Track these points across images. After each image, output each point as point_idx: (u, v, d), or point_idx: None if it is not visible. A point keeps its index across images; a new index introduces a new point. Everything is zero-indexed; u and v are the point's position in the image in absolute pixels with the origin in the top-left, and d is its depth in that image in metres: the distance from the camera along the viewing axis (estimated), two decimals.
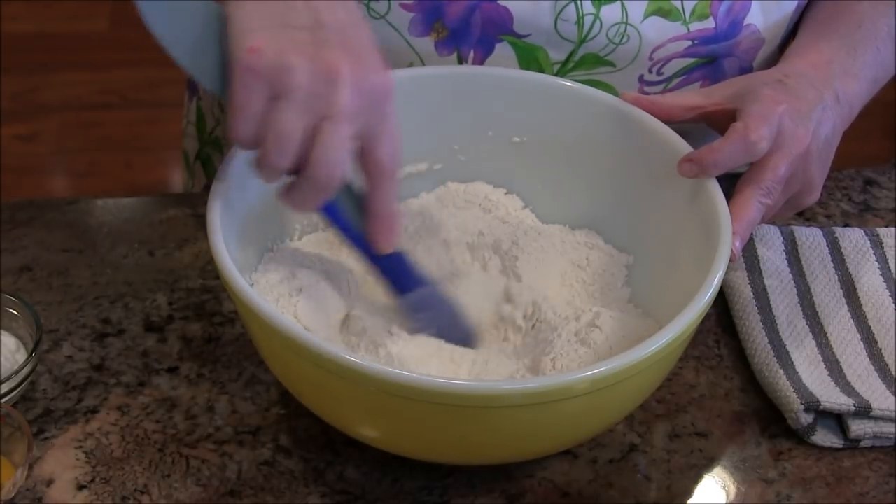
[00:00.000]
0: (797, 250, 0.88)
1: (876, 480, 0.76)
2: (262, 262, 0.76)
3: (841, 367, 0.80)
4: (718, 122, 0.77)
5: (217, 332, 0.82)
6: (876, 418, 0.77)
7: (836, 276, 0.87)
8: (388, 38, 0.85)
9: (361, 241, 0.71)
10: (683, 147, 0.76)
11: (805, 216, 0.95)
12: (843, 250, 0.88)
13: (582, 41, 0.84)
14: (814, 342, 0.82)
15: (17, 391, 0.75)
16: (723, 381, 0.81)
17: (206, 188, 0.71)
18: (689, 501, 0.74)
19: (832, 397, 0.76)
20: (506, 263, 0.80)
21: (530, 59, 0.85)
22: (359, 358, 0.62)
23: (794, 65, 0.81)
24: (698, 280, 0.68)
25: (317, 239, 0.80)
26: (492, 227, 0.82)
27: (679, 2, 0.84)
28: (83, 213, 0.92)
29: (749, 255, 0.87)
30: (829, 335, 0.83)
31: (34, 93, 2.41)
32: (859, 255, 0.88)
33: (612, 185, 0.82)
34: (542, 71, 0.85)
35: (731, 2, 0.85)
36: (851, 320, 0.84)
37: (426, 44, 0.85)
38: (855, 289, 0.86)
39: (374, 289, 0.76)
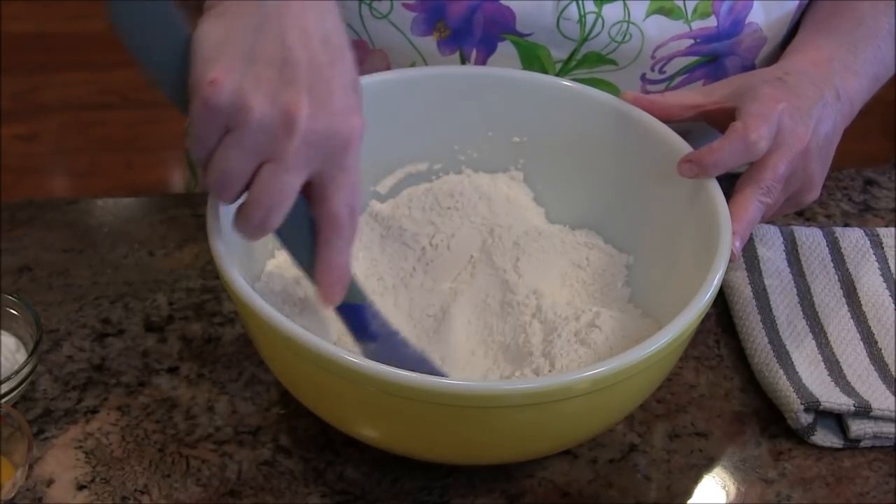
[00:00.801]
0: (797, 250, 0.88)
1: (876, 480, 0.76)
2: (264, 271, 0.76)
3: (841, 367, 0.80)
4: (718, 120, 0.77)
5: (217, 332, 0.82)
6: (876, 418, 0.77)
7: (836, 276, 0.87)
8: (391, 38, 0.85)
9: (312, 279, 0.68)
10: (683, 147, 0.76)
11: (805, 216, 0.95)
12: (843, 250, 0.88)
13: (584, 40, 0.84)
14: (814, 342, 0.82)
15: (17, 391, 0.75)
16: (723, 381, 0.81)
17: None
18: (689, 501, 0.74)
19: (832, 397, 0.76)
20: (506, 263, 0.80)
21: (532, 57, 0.85)
22: (359, 358, 0.62)
23: (794, 62, 0.81)
24: (698, 280, 0.68)
25: None
26: (492, 226, 0.82)
27: (681, 0, 0.84)
28: (83, 213, 0.92)
29: (749, 255, 0.87)
30: (829, 335, 0.83)
31: (34, 93, 2.41)
32: (859, 255, 0.88)
33: (613, 186, 0.82)
34: (544, 69, 0.85)
35: (733, 1, 0.85)
36: (851, 320, 0.84)
37: (429, 43, 0.85)
38: (855, 289, 0.86)
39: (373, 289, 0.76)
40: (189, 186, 1.16)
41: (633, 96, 0.79)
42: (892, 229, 0.90)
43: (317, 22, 0.62)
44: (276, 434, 0.76)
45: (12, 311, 0.77)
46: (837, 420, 0.78)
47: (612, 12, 0.83)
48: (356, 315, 0.70)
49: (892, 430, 0.76)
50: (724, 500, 0.75)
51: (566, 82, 0.82)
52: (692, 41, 0.85)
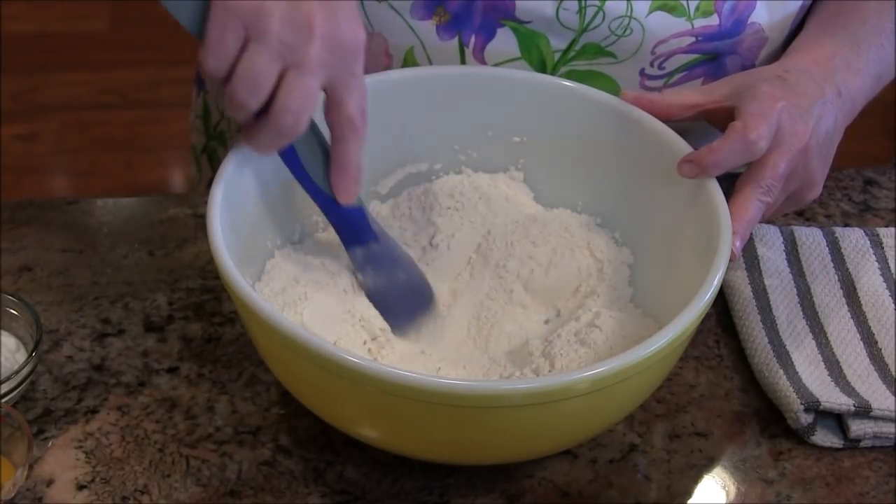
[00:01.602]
0: (797, 250, 0.88)
1: (876, 480, 0.76)
2: (265, 271, 0.76)
3: (841, 367, 0.80)
4: (718, 119, 0.77)
5: (217, 332, 0.82)
6: (876, 418, 0.77)
7: (836, 276, 0.87)
8: (390, 22, 0.85)
9: (319, 192, 0.72)
10: (683, 147, 0.76)
11: (805, 216, 0.95)
12: (843, 250, 0.88)
13: (583, 30, 0.84)
14: (814, 342, 0.82)
15: (17, 391, 0.75)
16: (723, 381, 0.81)
17: (211, 182, 0.71)
18: (689, 501, 0.74)
19: (832, 397, 0.76)
20: (507, 263, 0.80)
21: (531, 45, 0.85)
22: (359, 358, 0.62)
23: (795, 60, 0.81)
24: (698, 280, 0.68)
25: (317, 240, 0.80)
26: (492, 225, 0.82)
27: None
28: (83, 213, 0.92)
29: (749, 255, 0.87)
30: (829, 335, 0.83)
31: (34, 93, 2.41)
32: (859, 255, 0.88)
33: (612, 185, 0.82)
34: (542, 58, 0.85)
35: (736, 0, 0.85)
36: (851, 320, 0.84)
37: (428, 27, 0.85)
38: (855, 289, 0.86)
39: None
40: (194, 180, 1.17)
41: (633, 96, 0.79)
42: (892, 229, 0.90)
43: None
44: (276, 434, 0.76)
45: (12, 311, 0.77)
46: (837, 420, 0.78)
47: (614, 7, 0.83)
48: (359, 217, 0.74)
49: (892, 430, 0.76)
50: (724, 500, 0.75)
51: (566, 82, 0.82)
52: (693, 39, 0.85)
